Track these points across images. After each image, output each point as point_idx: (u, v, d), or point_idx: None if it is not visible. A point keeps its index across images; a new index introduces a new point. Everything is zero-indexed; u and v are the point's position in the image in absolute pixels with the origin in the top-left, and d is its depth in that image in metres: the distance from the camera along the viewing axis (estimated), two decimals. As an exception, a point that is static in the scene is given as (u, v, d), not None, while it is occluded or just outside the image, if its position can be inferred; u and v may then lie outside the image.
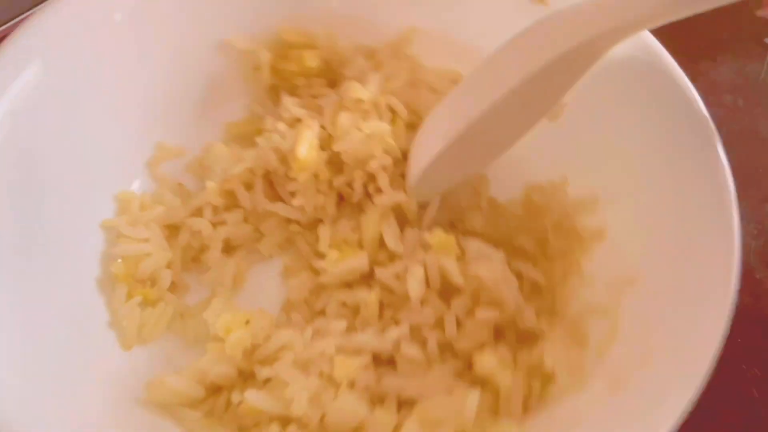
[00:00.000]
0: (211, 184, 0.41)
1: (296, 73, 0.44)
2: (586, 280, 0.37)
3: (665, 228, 0.33)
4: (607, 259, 0.37)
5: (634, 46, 0.37)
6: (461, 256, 0.37)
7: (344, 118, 0.40)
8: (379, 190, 0.40)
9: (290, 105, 0.43)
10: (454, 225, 0.41)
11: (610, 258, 0.37)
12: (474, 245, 0.38)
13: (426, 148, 0.38)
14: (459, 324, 0.36)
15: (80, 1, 0.38)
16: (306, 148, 0.39)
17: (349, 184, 0.40)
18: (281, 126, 0.41)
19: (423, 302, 0.37)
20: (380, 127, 0.40)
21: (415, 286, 0.36)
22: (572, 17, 0.32)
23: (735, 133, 0.41)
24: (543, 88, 0.34)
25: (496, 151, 0.39)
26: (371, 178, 0.39)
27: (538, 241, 0.39)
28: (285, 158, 0.40)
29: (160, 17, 0.41)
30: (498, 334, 0.36)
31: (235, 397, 0.34)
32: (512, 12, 0.42)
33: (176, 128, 0.44)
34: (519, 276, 0.38)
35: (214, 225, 0.41)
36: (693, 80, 0.35)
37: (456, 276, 0.36)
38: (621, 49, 0.34)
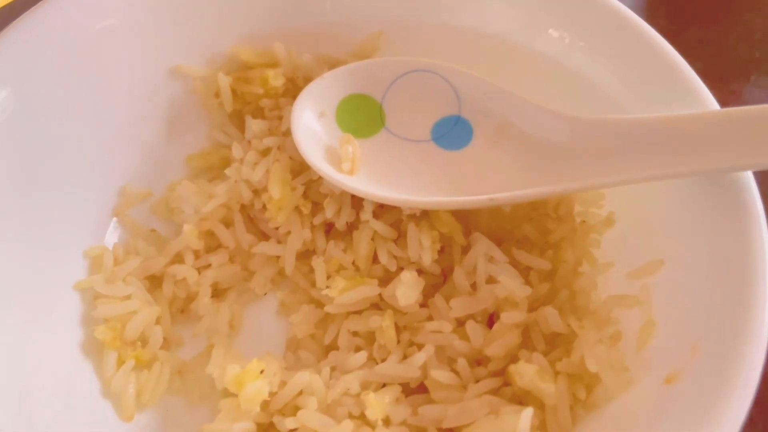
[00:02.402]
0: (187, 227, 0.37)
1: (260, 96, 0.41)
2: (601, 269, 0.36)
3: (686, 211, 0.32)
4: (622, 247, 0.36)
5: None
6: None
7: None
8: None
9: (257, 132, 0.40)
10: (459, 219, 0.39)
11: (626, 245, 0.35)
12: (481, 243, 0.36)
13: None
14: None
15: (21, 42, 0.35)
16: (279, 187, 0.36)
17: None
18: (250, 156, 0.38)
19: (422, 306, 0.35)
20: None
21: (402, 293, 0.34)
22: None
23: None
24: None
25: None
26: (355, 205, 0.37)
27: (541, 230, 0.38)
28: (258, 191, 0.38)
29: (110, 52, 0.38)
30: (526, 343, 0.34)
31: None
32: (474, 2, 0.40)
33: (138, 169, 0.41)
34: (527, 268, 0.37)
35: (199, 270, 0.38)
36: (725, 102, 0.33)
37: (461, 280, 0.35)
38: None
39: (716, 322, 0.28)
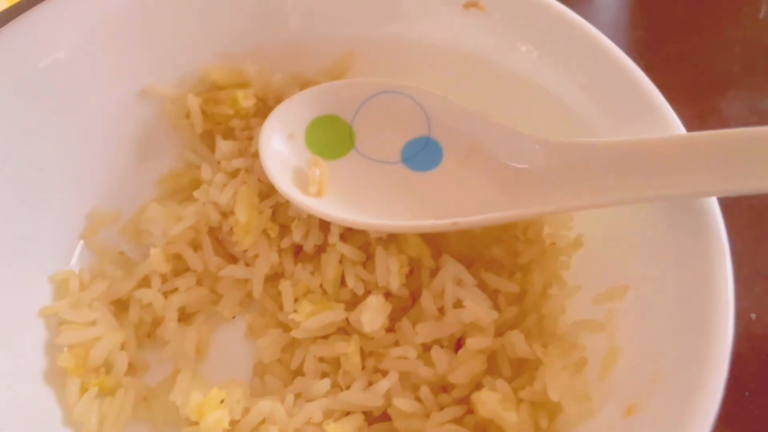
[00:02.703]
0: (154, 251, 0.37)
1: (230, 116, 0.41)
2: (570, 292, 0.36)
3: (651, 234, 0.32)
4: (590, 270, 0.35)
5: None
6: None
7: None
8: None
9: (227, 153, 0.40)
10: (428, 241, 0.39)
11: (594, 269, 0.35)
12: (450, 266, 0.36)
13: None
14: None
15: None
16: (245, 211, 0.36)
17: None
18: (219, 177, 0.38)
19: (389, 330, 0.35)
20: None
21: (368, 318, 0.34)
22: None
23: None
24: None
25: None
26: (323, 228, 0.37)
27: (510, 252, 0.38)
28: (227, 213, 0.38)
29: (82, 69, 0.38)
30: (492, 369, 0.34)
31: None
32: (449, 19, 0.40)
33: (108, 191, 0.41)
34: (495, 291, 0.37)
35: (166, 294, 0.38)
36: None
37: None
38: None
39: (678, 352, 0.28)
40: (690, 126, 0.51)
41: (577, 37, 0.37)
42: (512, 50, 0.39)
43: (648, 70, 0.56)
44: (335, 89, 0.40)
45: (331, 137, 0.40)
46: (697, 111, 0.51)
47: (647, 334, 0.30)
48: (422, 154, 0.39)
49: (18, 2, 0.55)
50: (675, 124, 0.33)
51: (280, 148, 0.38)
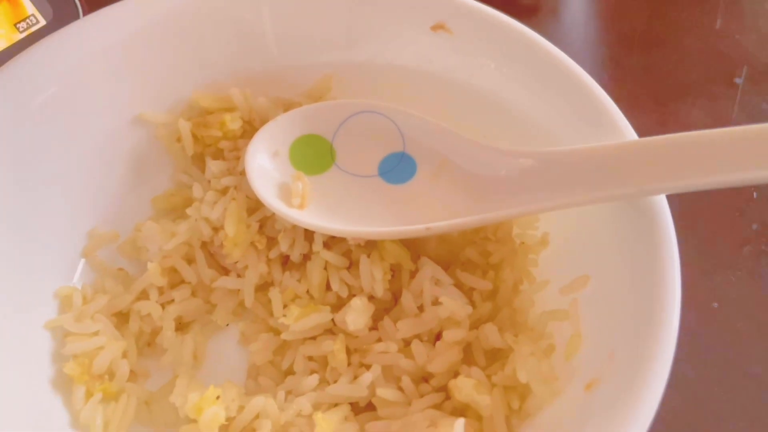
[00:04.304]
0: (151, 265, 0.40)
1: (219, 138, 0.44)
2: (538, 286, 0.38)
3: (609, 231, 0.35)
4: (556, 265, 0.38)
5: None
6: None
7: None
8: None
9: (216, 172, 0.43)
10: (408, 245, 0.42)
11: (559, 264, 0.38)
12: (428, 267, 0.39)
13: None
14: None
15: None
16: (234, 225, 0.39)
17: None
18: (209, 195, 0.41)
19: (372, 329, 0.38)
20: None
21: (352, 319, 0.37)
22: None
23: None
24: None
25: None
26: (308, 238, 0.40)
27: (483, 253, 0.40)
28: (218, 228, 0.40)
29: (78, 102, 0.41)
30: (468, 358, 0.36)
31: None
32: (418, 41, 0.43)
33: (107, 212, 0.44)
34: (471, 289, 0.39)
35: (163, 305, 0.40)
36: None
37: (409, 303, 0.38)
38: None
39: (631, 331, 0.31)
40: (652, 132, 0.54)
41: (538, 54, 0.40)
42: (478, 68, 0.42)
43: (613, 81, 0.60)
44: (316, 111, 0.43)
45: (313, 154, 0.42)
46: (659, 118, 0.54)
47: (606, 317, 0.33)
48: (398, 168, 0.42)
49: (15, 42, 0.58)
50: (628, 132, 0.36)
51: (266, 166, 0.41)
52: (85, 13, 0.53)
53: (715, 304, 0.44)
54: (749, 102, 0.55)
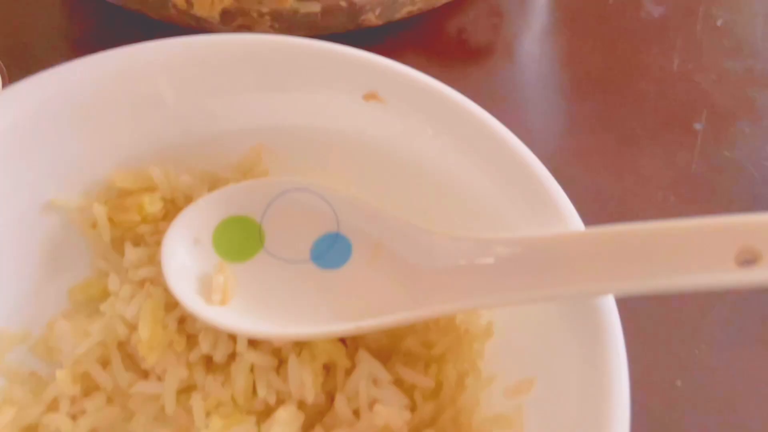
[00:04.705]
0: (60, 374, 0.36)
1: (138, 223, 0.40)
2: (485, 383, 0.35)
3: (556, 327, 0.32)
4: (502, 359, 0.35)
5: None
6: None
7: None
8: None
9: (134, 261, 0.39)
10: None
11: (506, 357, 0.35)
12: (364, 364, 0.36)
13: None
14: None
15: None
16: (148, 327, 0.36)
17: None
18: (125, 290, 0.38)
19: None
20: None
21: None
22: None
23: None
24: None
25: None
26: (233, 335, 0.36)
27: (425, 343, 0.37)
28: (135, 326, 0.37)
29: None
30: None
31: None
32: (352, 110, 0.40)
33: (18, 308, 0.40)
34: (412, 386, 0.36)
35: (75, 416, 0.37)
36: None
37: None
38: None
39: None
40: (607, 187, 0.52)
41: (476, 126, 0.37)
42: (415, 138, 0.40)
43: (566, 129, 0.57)
44: (242, 190, 0.40)
45: (240, 239, 0.39)
46: (615, 171, 0.51)
47: (551, 425, 0.30)
48: (332, 250, 0.39)
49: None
50: (573, 219, 0.33)
51: (184, 257, 0.38)
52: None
53: (679, 382, 0.41)
54: (710, 149, 0.52)
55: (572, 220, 0.33)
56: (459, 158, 0.38)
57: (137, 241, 0.41)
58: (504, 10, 0.63)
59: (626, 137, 0.53)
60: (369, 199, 0.39)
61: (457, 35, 0.62)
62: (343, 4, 0.49)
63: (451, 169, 0.38)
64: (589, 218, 0.33)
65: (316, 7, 0.49)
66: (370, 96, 0.40)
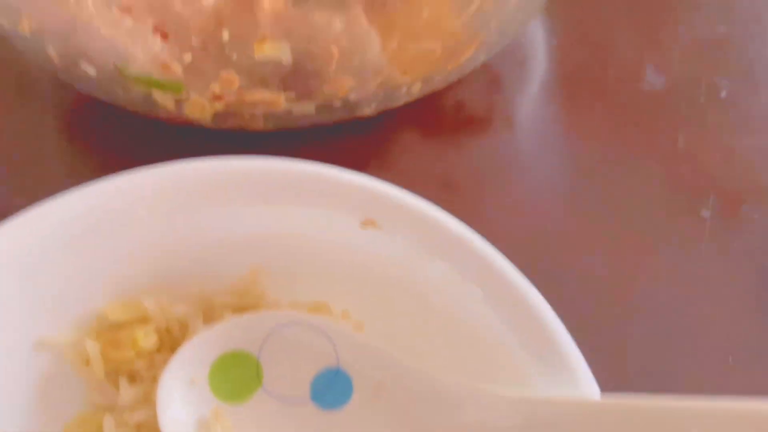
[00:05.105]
0: None
1: (132, 358, 0.39)
2: None
3: None
4: None
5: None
6: None
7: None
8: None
9: (129, 401, 0.38)
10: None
11: None
12: None
13: None
14: None
15: None
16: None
17: None
18: (120, 436, 0.37)
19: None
20: None
21: None
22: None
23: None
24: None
25: None
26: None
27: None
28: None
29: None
30: None
31: None
32: (351, 236, 0.39)
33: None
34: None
35: None
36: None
37: None
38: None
39: None
40: (613, 290, 0.50)
41: (479, 258, 0.36)
42: (417, 270, 0.38)
43: (569, 216, 0.55)
44: (238, 325, 0.38)
45: (238, 376, 0.38)
46: (624, 269, 0.50)
47: None
48: (332, 387, 0.37)
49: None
50: (586, 380, 0.31)
51: (180, 407, 0.36)
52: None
53: None
54: (719, 239, 0.51)
55: (587, 383, 0.31)
56: (462, 294, 0.37)
57: (132, 377, 0.40)
58: (503, 83, 0.61)
59: (631, 228, 0.52)
60: (371, 332, 0.38)
61: (455, 110, 0.61)
62: (338, 103, 0.48)
63: (456, 307, 0.37)
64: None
65: (310, 107, 0.48)
66: (368, 223, 0.39)
